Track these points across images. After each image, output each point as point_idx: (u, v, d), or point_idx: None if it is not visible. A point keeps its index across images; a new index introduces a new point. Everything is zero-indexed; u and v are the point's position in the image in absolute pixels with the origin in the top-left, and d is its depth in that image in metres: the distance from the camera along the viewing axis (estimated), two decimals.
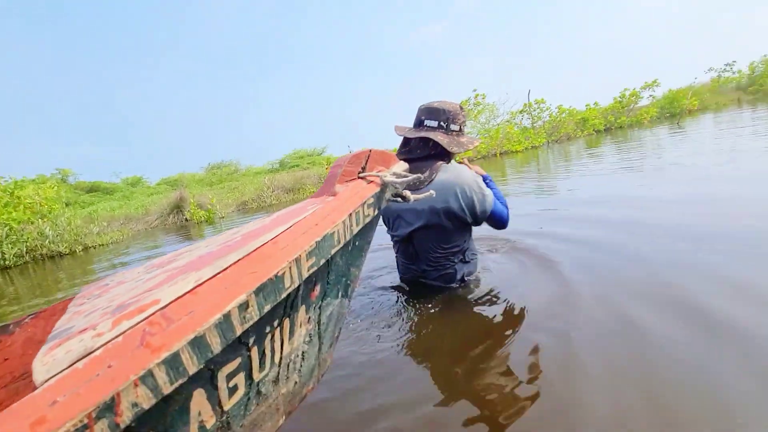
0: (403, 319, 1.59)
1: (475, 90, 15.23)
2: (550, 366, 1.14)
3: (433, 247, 1.70)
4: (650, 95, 17.80)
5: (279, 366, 0.67)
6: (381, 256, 2.46)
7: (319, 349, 0.82)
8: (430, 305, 1.66)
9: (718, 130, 7.64)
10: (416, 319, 1.57)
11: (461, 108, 1.72)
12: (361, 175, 0.96)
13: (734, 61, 23.93)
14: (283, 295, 0.59)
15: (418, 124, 1.69)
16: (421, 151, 1.65)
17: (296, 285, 0.61)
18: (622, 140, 10.01)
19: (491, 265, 2.02)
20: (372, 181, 0.94)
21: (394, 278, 2.01)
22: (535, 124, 16.03)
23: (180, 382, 0.42)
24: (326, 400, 1.15)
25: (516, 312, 1.51)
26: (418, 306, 1.67)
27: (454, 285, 1.76)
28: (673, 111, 17.51)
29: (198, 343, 0.44)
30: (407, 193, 1.02)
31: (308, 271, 0.65)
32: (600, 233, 2.28)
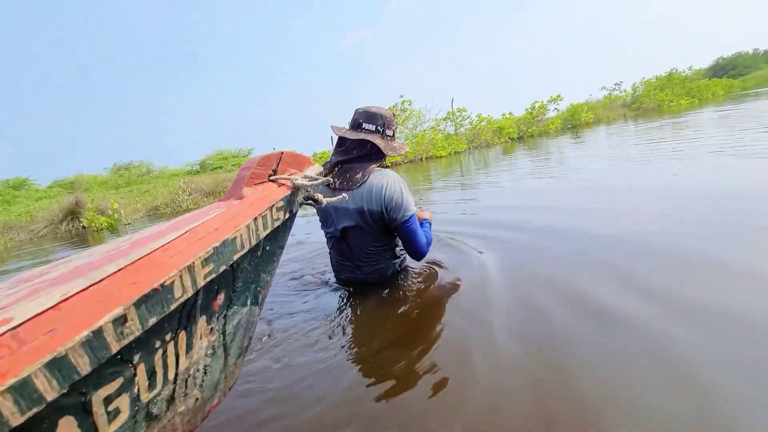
0: (334, 318, 1.60)
1: (402, 96, 15.71)
2: (475, 355, 1.22)
3: (365, 244, 1.74)
4: (555, 108, 19.84)
5: (175, 383, 0.62)
6: (317, 254, 2.53)
7: (225, 361, 0.78)
8: (362, 302, 1.69)
9: (609, 140, 8.94)
10: (349, 317, 1.59)
11: (394, 115, 1.81)
12: (271, 178, 0.93)
13: (621, 82, 27.87)
14: (174, 306, 0.55)
15: (356, 126, 1.73)
16: (358, 152, 1.70)
17: (190, 294, 0.58)
18: (533, 147, 11.01)
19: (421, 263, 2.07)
20: (283, 184, 0.92)
21: (328, 276, 2.05)
22: (457, 131, 16.95)
23: (34, 411, 0.37)
24: (245, 412, 1.10)
25: (444, 304, 1.60)
26: (351, 303, 1.70)
27: (385, 281, 1.82)
28: (574, 123, 19.69)
29: (58, 365, 0.39)
30: (320, 196, 1.02)
31: (205, 279, 0.61)
32: (515, 234, 2.47)
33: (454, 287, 1.75)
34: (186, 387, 0.66)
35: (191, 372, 0.67)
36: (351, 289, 1.84)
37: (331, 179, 1.46)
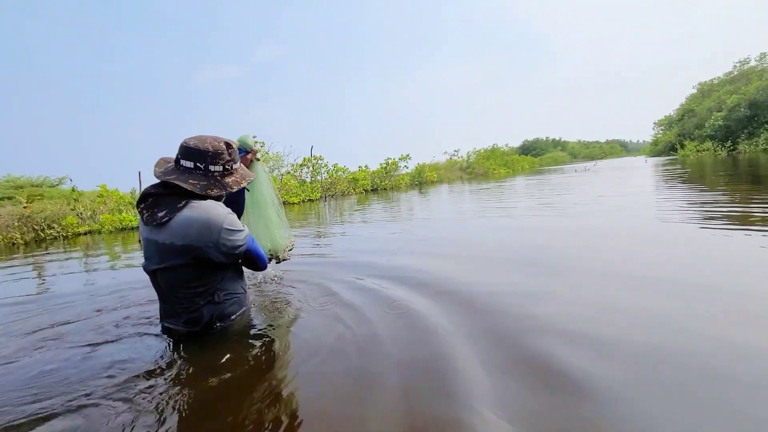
0: (134, 376, 1.41)
1: (254, 136, 14.92)
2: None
3: (177, 286, 1.60)
4: (405, 165, 21.75)
5: None
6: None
7: None
8: (169, 356, 1.55)
9: (450, 196, 10.14)
10: (147, 376, 1.41)
11: (228, 145, 1.66)
12: None
13: (459, 149, 32.87)
14: None
15: (176, 161, 1.63)
16: (169, 190, 1.59)
17: None
18: (386, 199, 11.66)
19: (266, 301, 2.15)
20: None
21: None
22: (314, 178, 16.86)
23: None
24: None
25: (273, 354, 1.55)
26: (158, 358, 1.55)
27: (197, 329, 1.65)
28: (421, 180, 21.89)
29: None
30: None
31: None
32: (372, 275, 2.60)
33: (293, 328, 1.78)
34: None
35: None
36: (163, 338, 1.72)
37: (143, 211, 1.57)
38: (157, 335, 1.77)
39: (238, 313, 1.75)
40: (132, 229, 9.09)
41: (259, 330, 1.76)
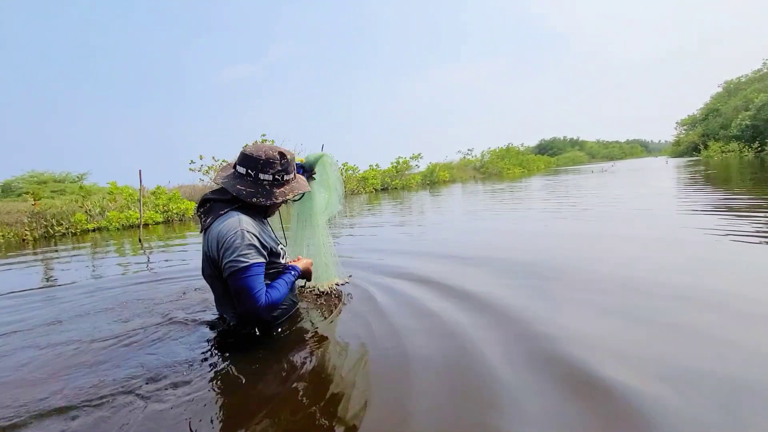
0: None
1: (263, 135, 14.91)
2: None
3: (218, 296, 1.69)
4: (416, 165, 21.50)
5: None
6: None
7: None
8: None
9: (464, 197, 9.81)
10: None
11: (282, 155, 1.64)
12: None
13: (472, 148, 32.34)
14: None
15: (234, 167, 1.67)
16: (220, 194, 1.65)
17: None
18: (397, 199, 11.48)
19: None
20: None
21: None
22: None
23: None
24: None
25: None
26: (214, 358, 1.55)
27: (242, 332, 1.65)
28: (433, 180, 21.64)
29: None
30: None
31: None
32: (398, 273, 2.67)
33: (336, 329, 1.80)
34: None
35: None
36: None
37: (200, 216, 1.66)
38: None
39: (284, 319, 1.78)
40: (136, 227, 9.10)
41: (309, 335, 1.73)
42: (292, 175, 1.70)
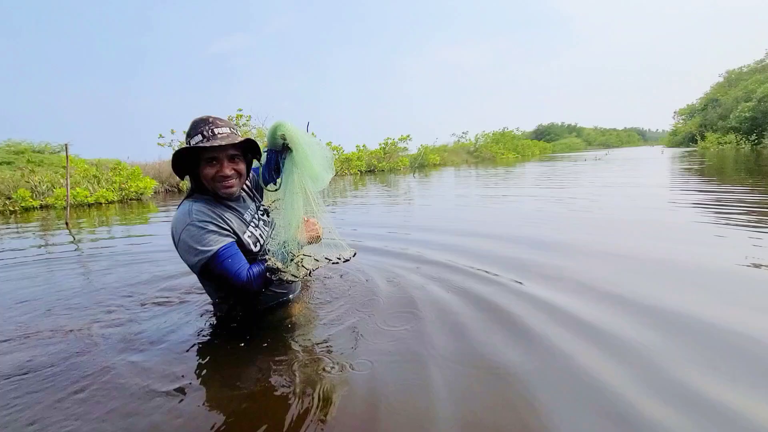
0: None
1: (240, 110, 13.98)
2: None
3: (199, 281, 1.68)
4: (405, 146, 20.66)
5: None
6: None
7: None
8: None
9: (456, 181, 9.15)
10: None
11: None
12: None
13: (467, 131, 31.55)
14: None
15: None
16: None
17: None
18: (383, 183, 10.84)
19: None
20: None
21: None
22: None
23: None
24: None
25: None
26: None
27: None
28: (422, 162, 20.89)
29: None
30: None
31: None
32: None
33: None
34: None
35: None
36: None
37: None
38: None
39: (272, 304, 1.75)
40: (89, 206, 8.36)
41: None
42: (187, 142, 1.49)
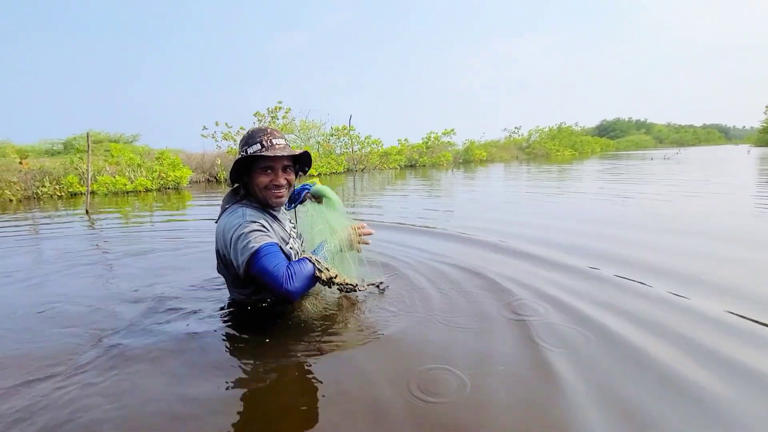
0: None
1: (280, 102, 13.99)
2: None
3: (230, 282, 1.69)
4: (449, 141, 19.84)
5: None
6: None
7: None
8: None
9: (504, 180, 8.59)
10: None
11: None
12: None
13: (519, 126, 29.88)
14: None
15: None
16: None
17: None
18: (424, 178, 10.45)
19: None
20: None
21: None
22: (350, 148, 15.83)
23: None
24: None
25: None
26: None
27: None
28: (467, 158, 20.02)
29: None
30: None
31: None
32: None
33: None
34: None
35: None
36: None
37: None
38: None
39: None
40: (126, 193, 8.68)
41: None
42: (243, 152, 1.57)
